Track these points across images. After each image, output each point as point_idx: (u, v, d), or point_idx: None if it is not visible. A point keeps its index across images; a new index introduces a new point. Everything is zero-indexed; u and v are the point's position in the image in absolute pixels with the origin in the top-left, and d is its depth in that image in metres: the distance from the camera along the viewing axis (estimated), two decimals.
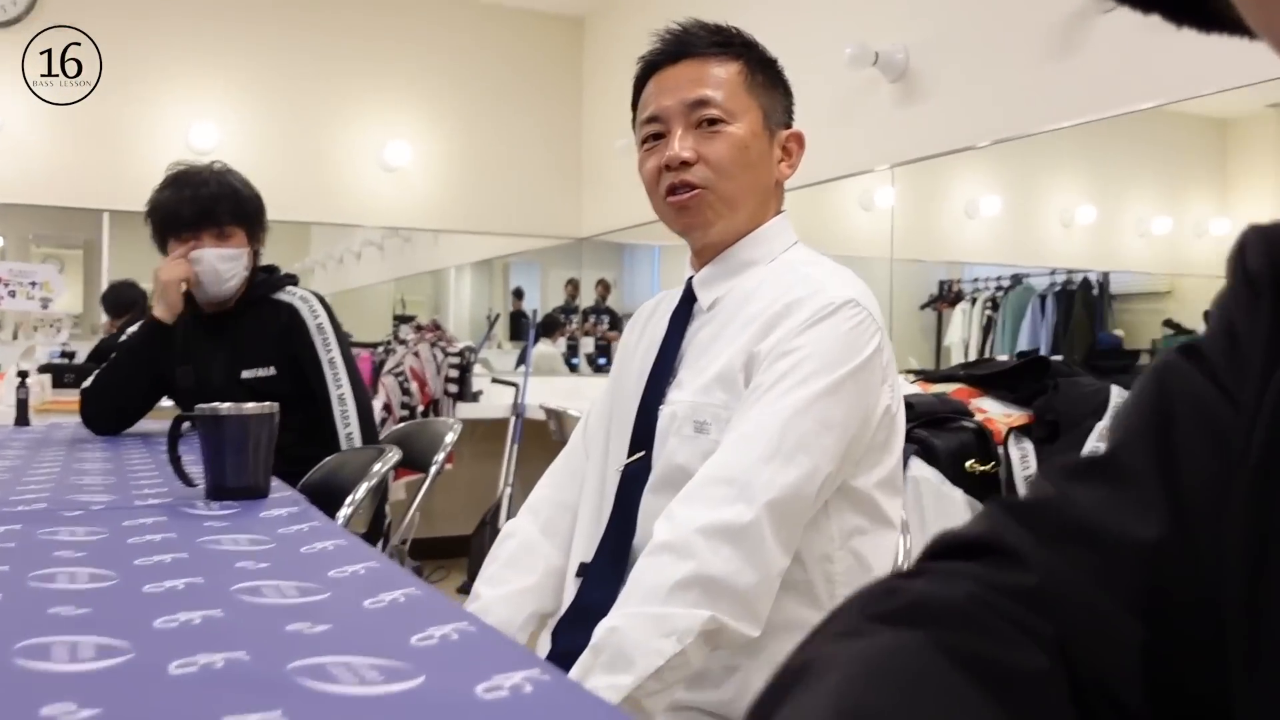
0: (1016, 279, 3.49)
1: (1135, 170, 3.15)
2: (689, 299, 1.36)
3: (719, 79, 1.29)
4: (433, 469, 2.27)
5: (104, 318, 4.71)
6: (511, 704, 0.56)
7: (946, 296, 3.73)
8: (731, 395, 1.21)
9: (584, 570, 1.29)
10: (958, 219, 3.74)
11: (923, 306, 3.78)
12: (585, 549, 1.31)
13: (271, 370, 2.27)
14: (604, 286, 5.91)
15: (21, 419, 2.68)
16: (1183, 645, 0.45)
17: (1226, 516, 0.45)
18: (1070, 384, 2.29)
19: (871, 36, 3.57)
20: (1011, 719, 0.40)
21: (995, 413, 2.35)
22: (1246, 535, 0.44)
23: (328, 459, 2.03)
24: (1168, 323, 2.95)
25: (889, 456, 1.23)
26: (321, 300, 2.35)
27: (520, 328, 5.86)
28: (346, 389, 2.24)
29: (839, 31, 3.71)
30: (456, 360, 4.65)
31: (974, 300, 3.61)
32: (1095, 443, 2.10)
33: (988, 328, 3.54)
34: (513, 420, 4.70)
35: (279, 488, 1.46)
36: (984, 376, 2.50)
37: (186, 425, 1.42)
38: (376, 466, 1.80)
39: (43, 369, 3.88)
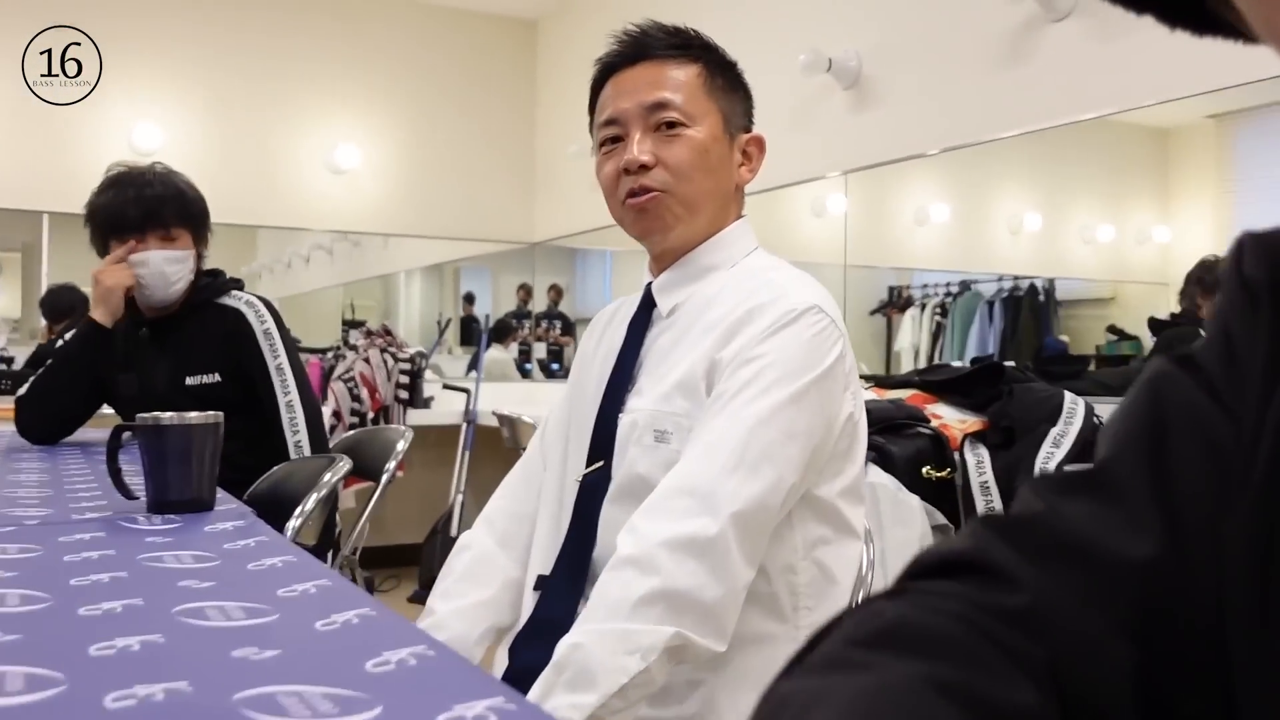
0: (965, 285, 3.52)
1: (1080, 179, 3.19)
2: (648, 305, 1.34)
3: (678, 81, 1.27)
4: (384, 477, 2.23)
5: (42, 322, 4.58)
6: None
7: (896, 302, 3.75)
8: (693, 403, 1.18)
9: (542, 583, 1.26)
10: (908, 226, 3.76)
11: (872, 312, 3.79)
12: (543, 561, 1.28)
13: (217, 377, 2.21)
14: (556, 292, 5.87)
15: None
16: (1175, 665, 0.44)
17: (1228, 532, 0.44)
18: (1024, 390, 2.30)
19: (825, 43, 3.58)
20: None
21: (950, 419, 2.35)
22: (1252, 552, 0.43)
23: (276, 468, 1.98)
24: (1111, 328, 2.99)
25: (851, 465, 1.21)
26: (268, 305, 2.29)
27: (471, 333, 5.80)
28: (295, 396, 2.19)
29: (793, 37, 3.72)
30: (407, 366, 4.59)
31: (923, 306, 3.63)
32: (1050, 448, 2.11)
33: (937, 333, 3.56)
34: (464, 427, 4.65)
35: (224, 499, 1.41)
36: (939, 382, 2.50)
37: (127, 435, 1.36)
38: (326, 476, 1.75)
39: None
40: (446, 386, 4.89)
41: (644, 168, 1.25)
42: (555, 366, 5.77)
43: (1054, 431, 2.15)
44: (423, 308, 5.95)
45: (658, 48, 1.29)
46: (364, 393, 4.41)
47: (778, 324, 1.16)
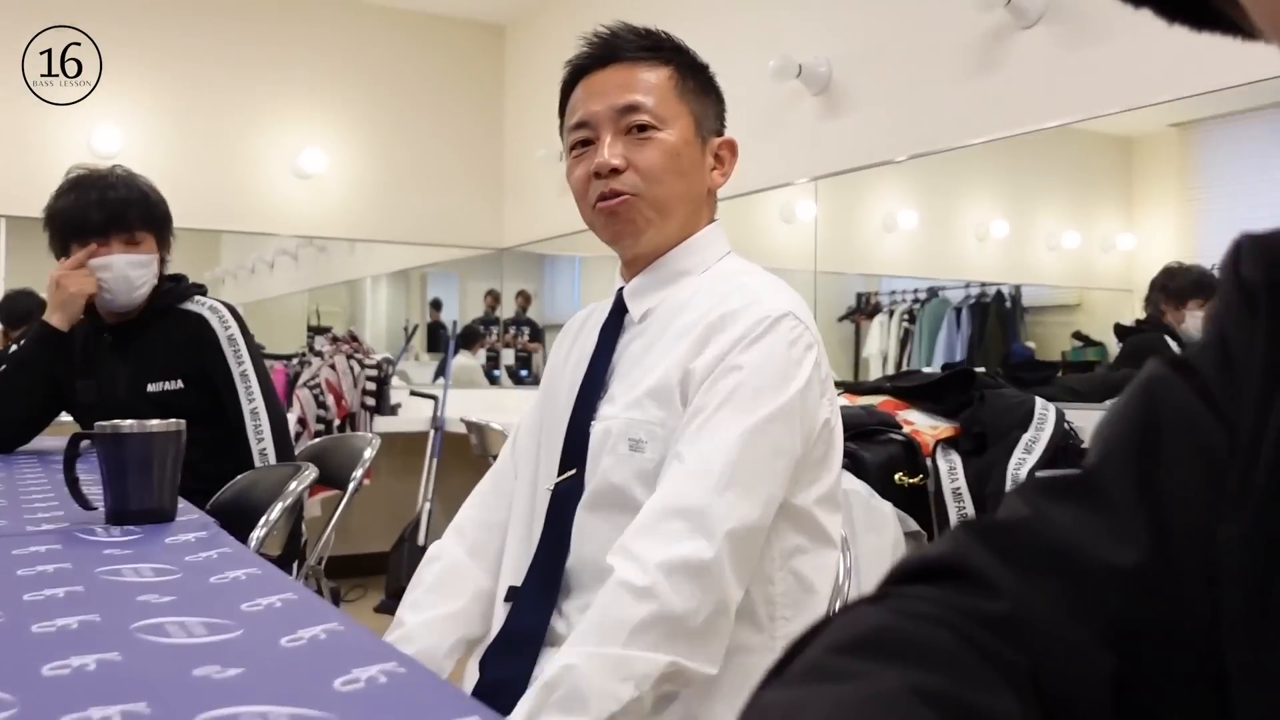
0: (932, 292, 3.53)
1: (1046, 186, 3.21)
2: (619, 311, 1.32)
3: (649, 84, 1.25)
4: (351, 486, 2.19)
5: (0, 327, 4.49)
6: None
7: (864, 309, 3.76)
8: (668, 412, 1.16)
9: (514, 594, 1.23)
10: (876, 232, 3.77)
11: (841, 319, 3.80)
12: (515, 571, 1.25)
13: (179, 384, 2.17)
14: (524, 298, 5.84)
15: None
16: (1157, 674, 0.43)
17: (1224, 540, 0.43)
18: (996, 396, 2.31)
19: (795, 49, 3.58)
20: None
21: (922, 425, 2.35)
22: (1253, 560, 0.42)
23: (239, 477, 1.94)
24: (1077, 335, 3.01)
25: (828, 473, 1.20)
26: (232, 310, 2.25)
27: (438, 339, 5.76)
28: (260, 403, 2.15)
29: (763, 43, 3.72)
30: (374, 373, 4.54)
31: (891, 313, 3.65)
32: (1022, 454, 2.11)
33: (905, 340, 3.58)
34: (432, 434, 4.60)
35: (186, 509, 1.37)
36: (910, 388, 2.50)
37: (85, 443, 1.33)
38: (292, 485, 1.72)
39: None
40: (414, 393, 4.84)
41: (615, 171, 1.23)
42: (524, 373, 5.74)
43: (1026, 437, 2.15)
44: (389, 314, 5.90)
45: (628, 50, 1.27)
46: (330, 399, 4.36)
47: (753, 333, 1.15)
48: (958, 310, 3.40)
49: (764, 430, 1.10)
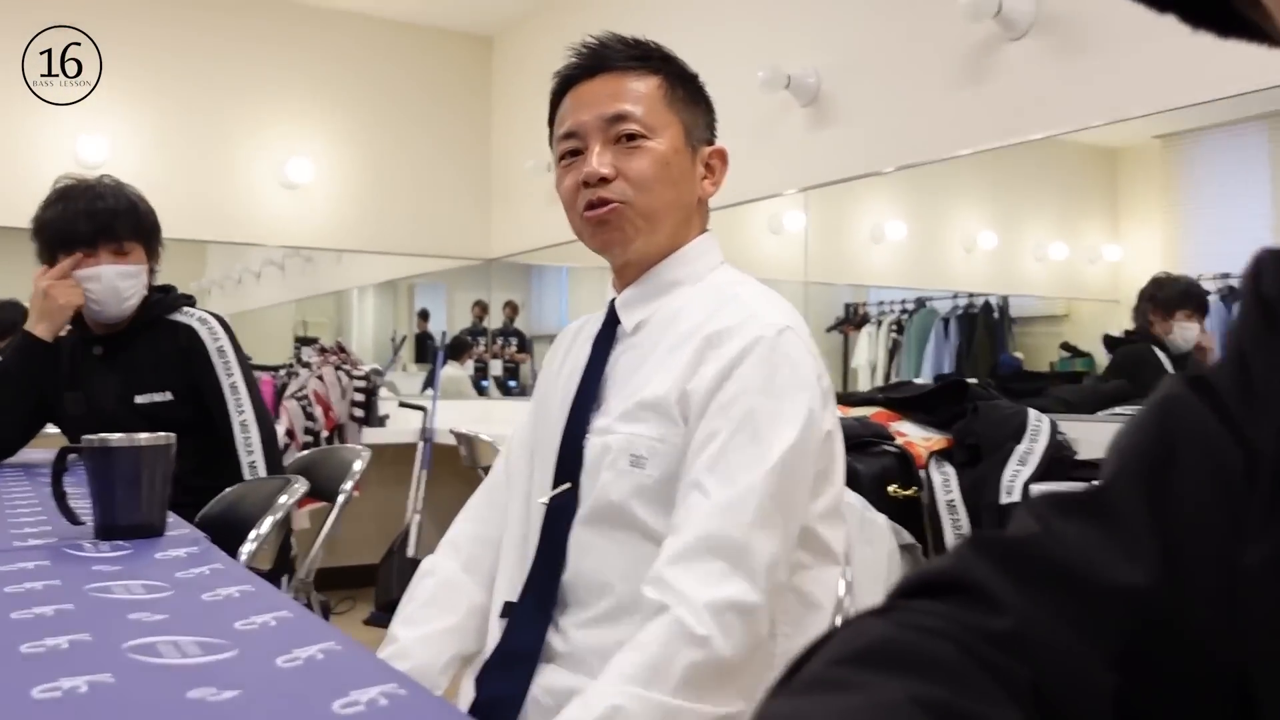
0: (920, 302, 3.54)
1: (1033, 197, 3.22)
2: (612, 322, 1.31)
3: (638, 93, 1.25)
4: (340, 498, 2.17)
5: None
6: None
7: (853, 319, 3.76)
8: (667, 428, 1.15)
9: (509, 610, 1.22)
10: (864, 243, 3.78)
11: (829, 329, 3.80)
12: (510, 586, 1.24)
13: (168, 395, 2.14)
14: (512, 308, 5.83)
15: None
16: (1162, 696, 0.43)
17: (1247, 563, 0.43)
18: (989, 407, 2.30)
19: (784, 60, 3.58)
20: None
21: (915, 436, 2.35)
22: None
23: (228, 490, 1.92)
24: (1064, 345, 3.02)
25: (830, 485, 1.18)
26: (222, 322, 2.23)
27: (426, 350, 5.73)
28: (249, 415, 2.13)
29: (752, 54, 3.72)
30: (362, 384, 4.51)
31: (879, 323, 3.65)
32: (1016, 466, 2.11)
33: (893, 350, 3.58)
34: (421, 445, 4.58)
35: (176, 523, 1.35)
36: (902, 400, 2.49)
37: (73, 457, 1.31)
38: (282, 499, 1.70)
39: None
40: (403, 404, 4.82)
41: (604, 180, 1.22)
42: (512, 384, 5.72)
43: (1019, 449, 2.14)
44: (376, 324, 5.88)
45: (617, 59, 1.26)
46: (318, 411, 4.33)
47: (754, 351, 1.13)
48: (945, 321, 3.40)
49: (786, 459, 1.08)
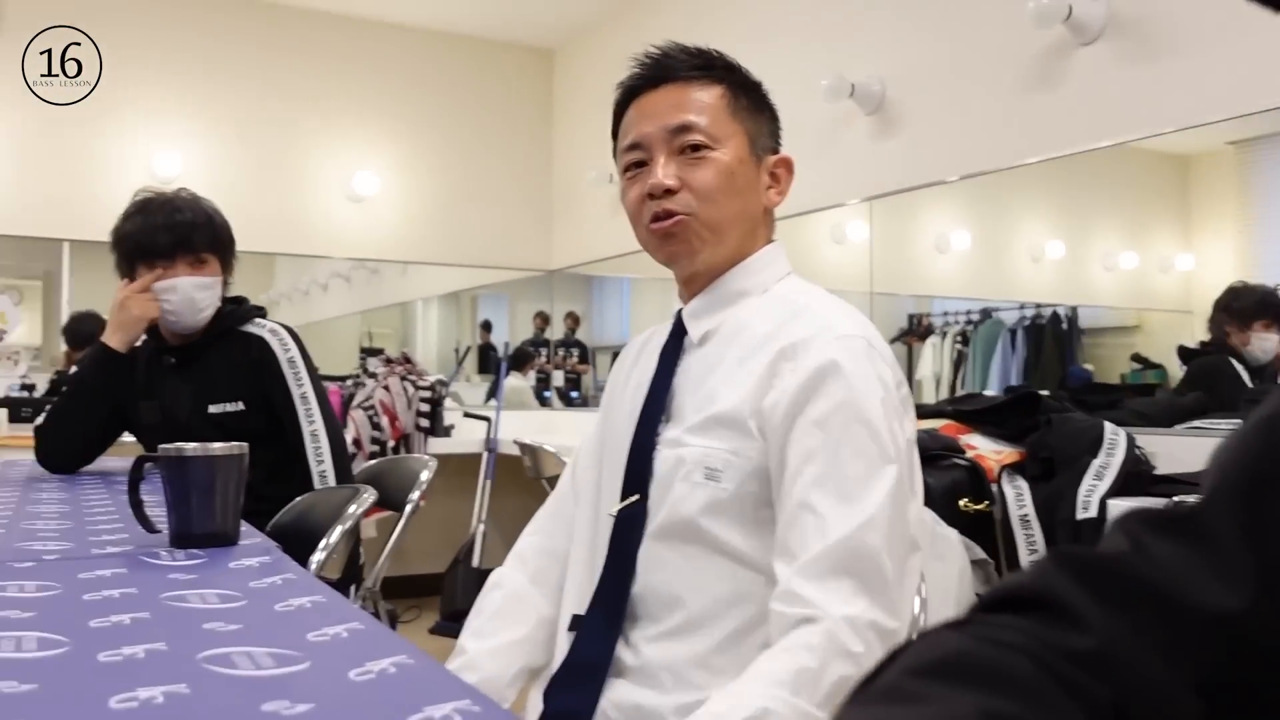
0: (986, 313, 3.48)
1: (1102, 206, 3.16)
2: (679, 332, 1.30)
3: (702, 104, 1.23)
4: (408, 508, 2.18)
5: (63, 349, 4.58)
6: None
7: (916, 330, 3.71)
8: (742, 441, 1.13)
9: (577, 623, 1.21)
10: (929, 252, 3.73)
11: (892, 341, 3.75)
12: (578, 599, 1.23)
13: (240, 405, 2.17)
14: (573, 319, 5.85)
15: None
16: None
17: None
18: (1063, 420, 2.25)
19: (848, 68, 3.55)
20: None
21: (985, 449, 2.30)
22: None
23: (299, 499, 1.94)
24: (1135, 357, 2.95)
25: (914, 497, 1.15)
26: (292, 333, 2.26)
27: (488, 361, 5.77)
28: (319, 425, 2.15)
29: (815, 62, 3.70)
30: (427, 394, 4.55)
31: (944, 334, 3.59)
32: (1092, 480, 2.05)
33: (958, 362, 3.52)
34: (485, 455, 4.60)
35: (248, 533, 1.36)
36: (972, 412, 2.44)
37: (149, 466, 1.33)
38: (351, 508, 1.71)
39: (0, 403, 3.76)
40: (467, 414, 4.85)
41: (669, 192, 1.21)
42: (574, 394, 5.73)
43: (1096, 463, 2.09)
44: (440, 335, 5.93)
45: (680, 69, 1.26)
46: (384, 421, 4.38)
47: (839, 364, 1.11)
48: (1012, 332, 3.34)
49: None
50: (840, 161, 3.68)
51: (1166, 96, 2.62)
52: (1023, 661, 0.41)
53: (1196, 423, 2.54)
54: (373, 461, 2.67)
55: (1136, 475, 2.13)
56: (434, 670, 0.72)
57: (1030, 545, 2.07)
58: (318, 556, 1.60)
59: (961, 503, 2.13)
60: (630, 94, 1.29)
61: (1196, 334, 2.73)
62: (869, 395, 1.10)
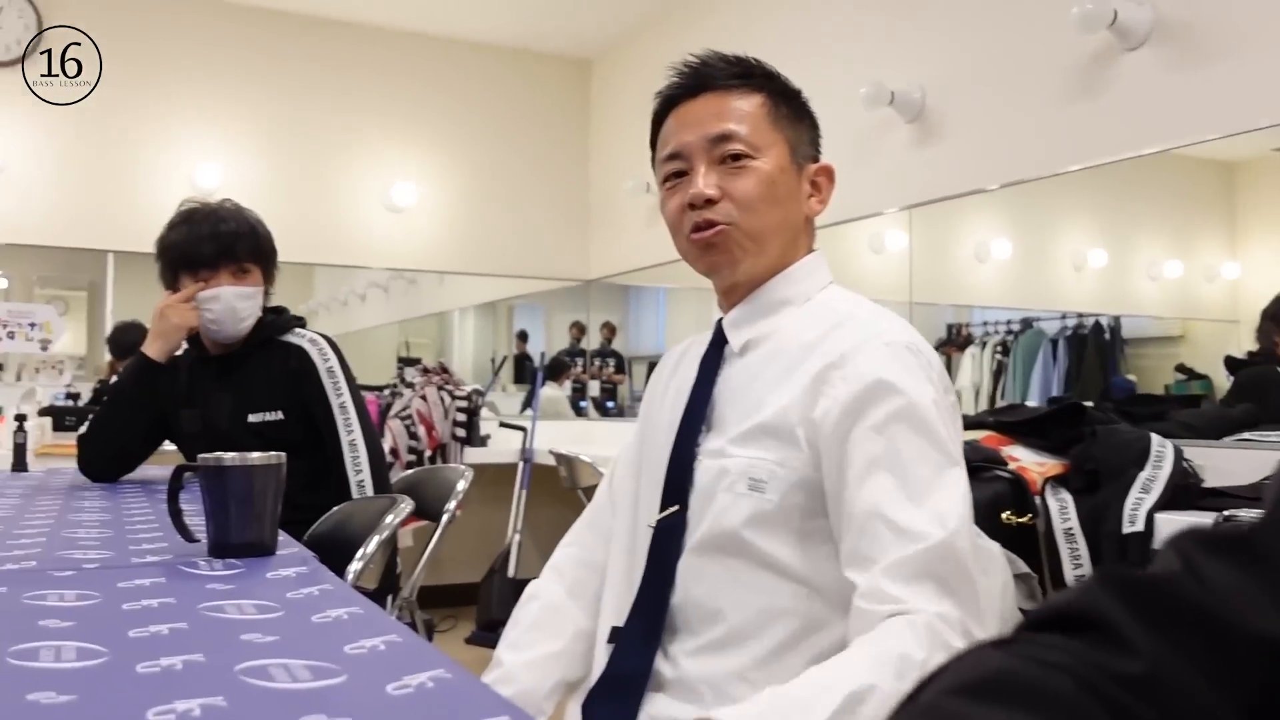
0: (1027, 323, 3.43)
1: (1145, 214, 3.11)
2: (719, 342, 1.28)
3: (742, 112, 1.22)
4: (444, 518, 2.18)
5: (107, 358, 4.65)
6: None
7: (955, 340, 3.66)
8: (788, 452, 1.12)
9: (616, 635, 1.19)
10: (968, 262, 3.68)
11: None
12: (616, 611, 1.22)
13: (279, 415, 2.19)
14: (609, 329, 5.84)
15: (19, 464, 2.60)
16: None
17: None
18: (1108, 432, 2.20)
19: (888, 75, 3.52)
20: None
21: (1028, 461, 2.26)
22: None
23: (336, 508, 1.94)
24: (1180, 367, 2.89)
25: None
26: (331, 343, 2.27)
27: (524, 370, 5.78)
28: (358, 435, 2.16)
29: (854, 69, 3.67)
30: (464, 404, 4.56)
31: (983, 344, 3.54)
32: (1139, 493, 2.01)
33: (998, 372, 3.47)
34: (521, 465, 4.60)
35: (286, 542, 1.37)
36: (1014, 423, 2.40)
37: (188, 475, 1.33)
38: (389, 518, 1.71)
39: (44, 411, 3.81)
40: (503, 424, 4.86)
41: (710, 201, 1.20)
42: (610, 405, 5.73)
43: (1142, 476, 2.04)
44: (476, 345, 5.95)
45: (719, 78, 1.25)
46: (421, 430, 4.39)
47: (892, 374, 1.10)
48: (1054, 342, 3.29)
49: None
50: (879, 170, 3.65)
51: (1213, 102, 2.58)
52: (1067, 682, 0.41)
53: (1246, 435, 2.49)
54: (409, 471, 2.68)
55: (1185, 488, 2.08)
56: (471, 685, 0.71)
57: (1075, 559, 2.03)
58: (355, 566, 1.60)
59: (1004, 515, 2.09)
60: (669, 103, 1.28)
61: (1243, 344, 2.68)
62: (924, 400, 1.09)
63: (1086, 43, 2.88)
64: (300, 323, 2.34)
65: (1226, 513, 1.94)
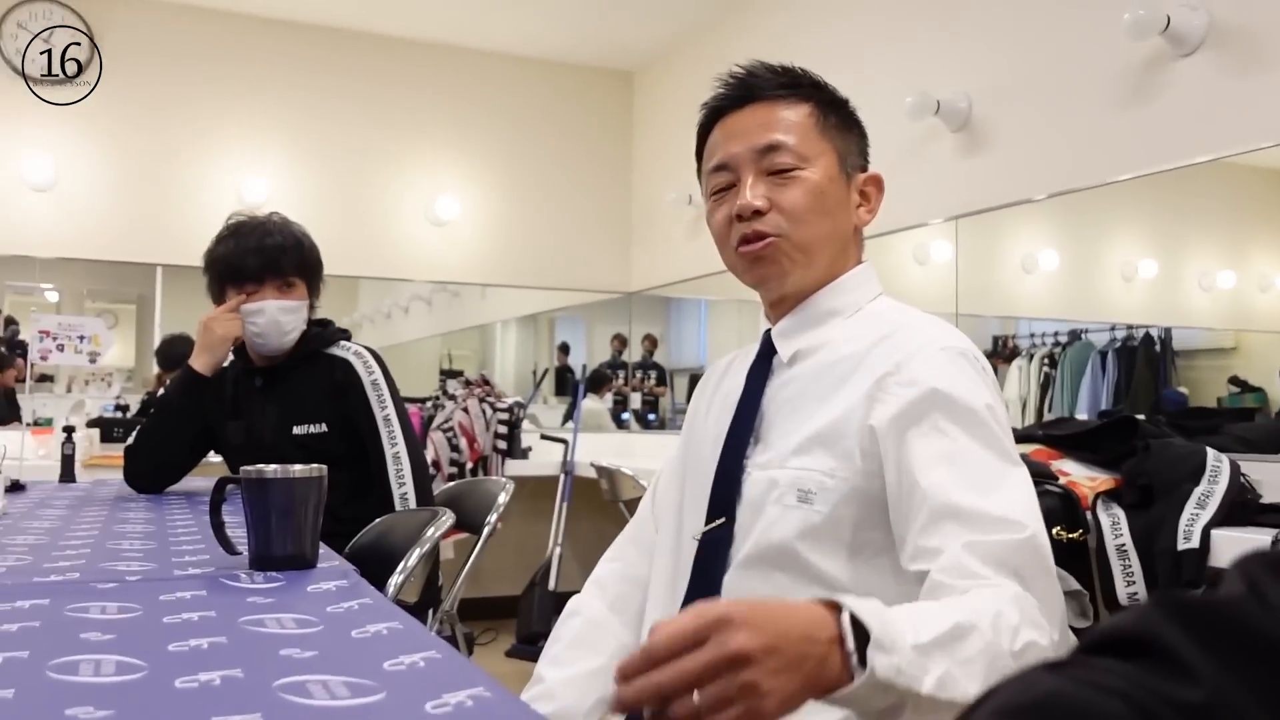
0: (1075, 334, 3.37)
1: (1197, 223, 3.04)
2: (767, 353, 1.26)
3: (789, 123, 1.21)
4: (485, 530, 2.18)
5: (155, 370, 4.71)
6: None
7: (1001, 352, 3.61)
8: (839, 462, 1.10)
9: None
10: (1015, 273, 3.63)
11: None
12: None
13: (324, 427, 2.19)
14: (651, 341, 5.83)
15: (66, 475, 2.64)
16: None
17: None
18: (1162, 445, 2.15)
19: (933, 84, 3.49)
20: None
21: (1078, 475, 2.21)
22: None
23: (378, 520, 1.95)
24: (1234, 379, 2.82)
25: None
26: (376, 355, 2.28)
27: (565, 383, 5.78)
28: (402, 447, 2.16)
29: (899, 78, 3.64)
30: (506, 416, 4.57)
31: (1030, 356, 3.49)
32: (1194, 509, 1.96)
33: (1046, 384, 3.41)
34: (562, 478, 4.60)
35: (327, 555, 1.36)
36: (1064, 437, 2.35)
37: (231, 487, 1.33)
38: (429, 531, 1.71)
39: (93, 423, 3.86)
40: (545, 437, 4.86)
41: (758, 213, 1.19)
42: (651, 417, 5.71)
43: (1198, 491, 1.99)
44: (518, 357, 5.97)
45: (766, 88, 1.23)
46: (463, 443, 4.40)
47: (946, 380, 1.09)
48: (1103, 354, 3.23)
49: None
50: (924, 180, 3.61)
51: (1268, 109, 2.52)
52: (1121, 708, 0.39)
53: None
54: (451, 483, 2.68)
55: (1242, 504, 2.02)
56: (511, 704, 0.69)
57: (1127, 576, 1.98)
58: (396, 579, 1.59)
59: (1055, 531, 2.05)
60: (715, 114, 1.27)
61: None
62: (982, 404, 1.08)
63: (1137, 49, 2.83)
64: (345, 335, 2.35)
65: None
